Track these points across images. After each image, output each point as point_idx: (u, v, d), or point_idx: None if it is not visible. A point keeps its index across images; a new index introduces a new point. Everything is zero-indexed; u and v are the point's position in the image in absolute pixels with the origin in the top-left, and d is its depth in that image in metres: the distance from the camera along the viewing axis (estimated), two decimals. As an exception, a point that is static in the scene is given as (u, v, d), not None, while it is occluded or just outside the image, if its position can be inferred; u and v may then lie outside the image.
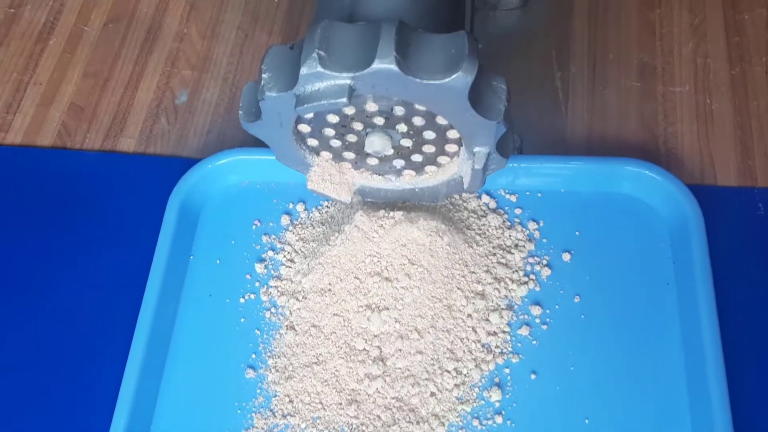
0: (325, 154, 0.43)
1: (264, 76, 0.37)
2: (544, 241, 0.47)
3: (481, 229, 0.47)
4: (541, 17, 0.56)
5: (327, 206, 0.50)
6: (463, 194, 0.49)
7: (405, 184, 0.44)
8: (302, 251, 0.48)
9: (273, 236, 0.49)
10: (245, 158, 0.50)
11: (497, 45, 0.55)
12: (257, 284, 0.48)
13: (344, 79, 0.35)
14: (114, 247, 0.50)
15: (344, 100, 0.35)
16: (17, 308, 0.48)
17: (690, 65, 0.53)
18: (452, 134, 0.40)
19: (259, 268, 0.48)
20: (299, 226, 0.49)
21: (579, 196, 0.48)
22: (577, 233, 0.47)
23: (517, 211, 0.49)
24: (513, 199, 0.49)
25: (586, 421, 0.42)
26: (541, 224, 0.48)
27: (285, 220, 0.50)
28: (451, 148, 0.41)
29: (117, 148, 0.54)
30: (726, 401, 0.40)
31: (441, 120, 0.38)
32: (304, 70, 0.34)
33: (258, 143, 0.50)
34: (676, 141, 0.50)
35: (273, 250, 0.49)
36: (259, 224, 0.50)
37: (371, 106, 0.38)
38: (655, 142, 0.50)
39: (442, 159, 0.42)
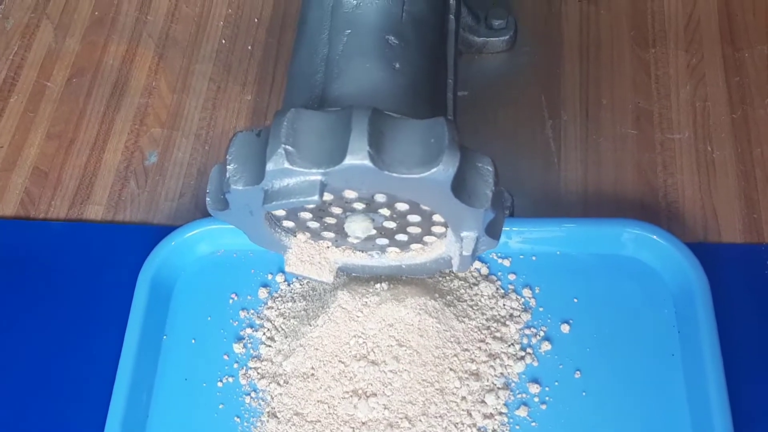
0: (302, 236, 0.40)
1: (229, 167, 0.33)
2: (541, 309, 0.45)
3: (473, 300, 0.44)
4: (530, 61, 0.53)
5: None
6: (453, 261, 0.46)
7: (390, 260, 0.41)
8: (283, 328, 0.45)
9: (251, 311, 0.46)
10: (219, 227, 0.47)
11: (483, 91, 0.52)
12: (236, 365, 0.45)
13: (315, 175, 0.32)
14: (81, 326, 0.47)
15: (315, 197, 0.32)
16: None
17: (689, 109, 0.50)
18: (438, 217, 0.37)
19: (237, 347, 0.45)
20: (279, 299, 0.46)
21: (576, 258, 0.46)
22: (575, 300, 0.45)
23: (511, 277, 0.46)
24: (506, 263, 0.46)
25: None
26: (537, 291, 0.45)
27: (263, 293, 0.47)
28: (437, 229, 0.38)
29: (84, 216, 0.51)
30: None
31: (426, 206, 0.35)
32: (270, 167, 0.31)
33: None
34: (676, 194, 0.48)
35: (252, 327, 0.46)
36: (236, 298, 0.47)
37: (349, 194, 0.35)
38: (655, 195, 0.48)
39: (428, 238, 0.39)
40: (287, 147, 0.31)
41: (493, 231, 0.36)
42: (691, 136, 0.49)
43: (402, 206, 0.36)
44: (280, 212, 0.38)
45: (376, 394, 0.41)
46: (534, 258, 0.46)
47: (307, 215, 0.38)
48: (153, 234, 0.48)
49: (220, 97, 0.55)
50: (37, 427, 0.44)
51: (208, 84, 0.55)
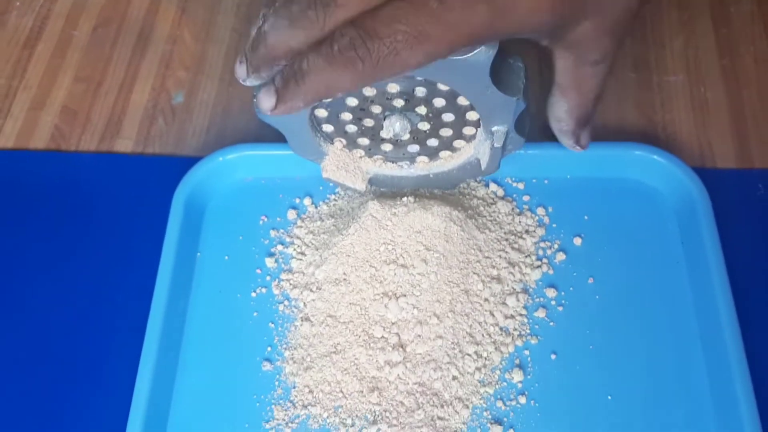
0: (339, 144, 0.43)
1: None
2: (554, 226, 0.48)
3: (491, 216, 0.48)
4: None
5: (335, 199, 0.49)
6: (471, 183, 0.49)
7: (419, 170, 0.44)
8: (313, 244, 0.48)
9: (281, 231, 0.49)
10: (250, 153, 0.50)
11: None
12: (268, 278, 0.47)
13: None
14: (118, 248, 0.49)
15: None
16: (23, 314, 0.47)
17: (682, 56, 0.55)
18: (471, 116, 0.40)
19: (269, 262, 0.47)
20: (307, 219, 0.49)
21: (585, 181, 0.49)
22: (585, 218, 0.48)
23: (525, 198, 0.49)
24: (520, 186, 0.49)
25: (609, 397, 0.42)
26: (550, 210, 0.48)
27: (292, 214, 0.49)
28: (468, 131, 0.41)
29: (114, 149, 0.53)
30: (743, 361, 0.41)
31: (462, 100, 0.39)
32: None
33: (260, 139, 0.51)
34: (674, 127, 0.52)
35: (282, 244, 0.48)
36: (266, 219, 0.49)
37: (393, 87, 0.38)
38: (655, 128, 0.51)
39: (457, 143, 0.43)
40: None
41: (520, 127, 0.40)
42: (686, 79, 0.54)
43: (439, 102, 0.39)
44: (323, 113, 0.41)
45: (405, 295, 0.44)
46: (546, 181, 0.49)
47: (347, 116, 0.41)
48: (182, 164, 0.50)
49: (242, 45, 0.57)
50: (83, 336, 0.46)
51: (230, 33, 0.58)
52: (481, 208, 0.48)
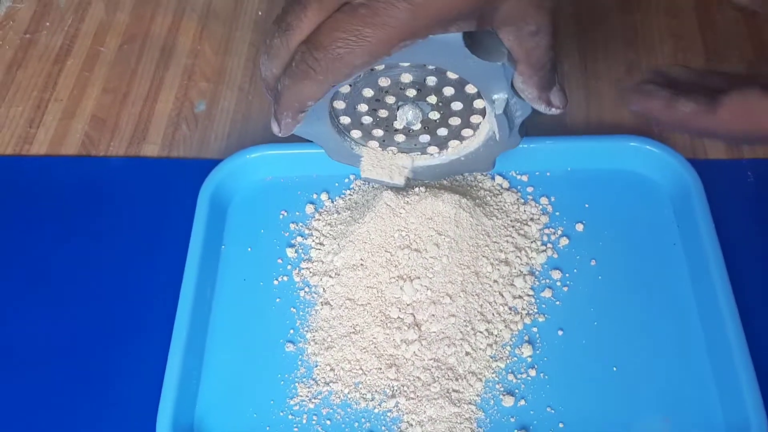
0: (372, 144, 0.46)
1: None
2: (557, 214, 0.51)
3: (498, 205, 0.51)
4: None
5: (350, 194, 0.53)
6: (478, 176, 0.52)
7: (451, 155, 0.47)
8: (330, 234, 0.51)
9: (300, 224, 0.52)
10: (271, 153, 0.53)
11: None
12: (289, 267, 0.50)
13: None
14: (148, 243, 0.52)
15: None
16: (65, 304, 0.49)
17: (672, 59, 0.58)
18: (478, 104, 0.43)
19: (289, 252, 0.50)
20: (325, 213, 0.52)
21: (585, 173, 0.52)
22: (586, 206, 0.51)
23: (529, 189, 0.52)
24: (524, 179, 0.53)
25: (614, 368, 0.45)
26: (553, 200, 0.52)
27: (310, 209, 0.52)
28: (475, 119, 0.45)
29: (141, 153, 0.57)
30: (740, 332, 0.43)
31: (470, 88, 0.42)
32: None
33: (280, 140, 0.54)
34: (667, 123, 0.55)
35: (302, 236, 0.51)
36: (286, 214, 0.52)
37: (406, 77, 0.42)
38: (648, 125, 0.55)
39: (466, 132, 0.46)
40: None
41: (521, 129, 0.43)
42: (676, 79, 0.57)
43: (449, 91, 0.42)
44: (341, 105, 0.44)
45: (419, 277, 0.47)
46: (548, 174, 0.53)
47: (363, 107, 0.44)
48: (206, 166, 0.53)
49: (259, 57, 0.61)
50: (116, 325, 0.49)
51: (248, 47, 0.62)
52: (488, 198, 0.51)
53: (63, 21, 0.65)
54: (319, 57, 0.37)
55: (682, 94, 0.39)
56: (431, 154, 0.47)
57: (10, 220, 0.53)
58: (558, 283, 0.48)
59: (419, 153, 0.47)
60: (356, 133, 0.46)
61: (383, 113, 0.44)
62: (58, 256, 0.52)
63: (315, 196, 0.53)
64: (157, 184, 0.55)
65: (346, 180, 0.53)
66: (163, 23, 0.64)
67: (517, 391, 0.44)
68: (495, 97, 0.42)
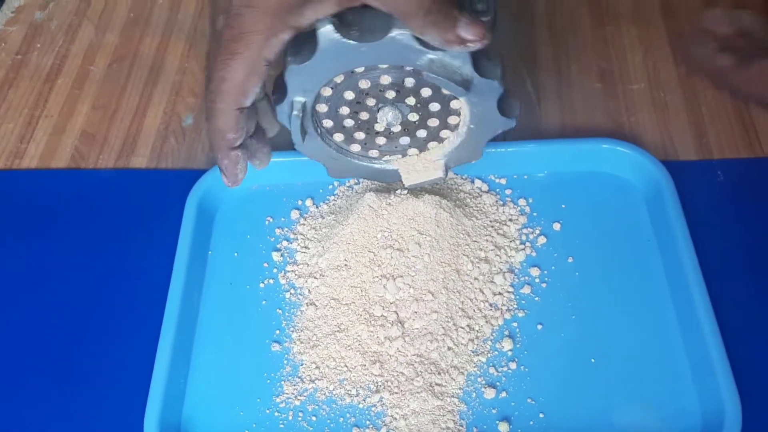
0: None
1: (288, 58, 0.42)
2: (535, 215, 0.52)
3: (477, 207, 0.52)
4: (507, 37, 0.63)
5: (334, 199, 0.54)
6: (458, 180, 0.54)
7: (462, 133, 0.47)
8: (315, 238, 0.52)
9: (286, 229, 0.53)
10: (255, 161, 0.54)
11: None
12: (275, 270, 0.51)
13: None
14: (137, 250, 0.53)
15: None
16: (56, 308, 0.51)
17: (642, 68, 0.61)
18: (455, 104, 0.45)
19: (275, 256, 0.52)
20: (310, 218, 0.53)
21: (562, 175, 0.54)
22: (563, 206, 0.53)
23: (508, 192, 0.54)
24: (503, 181, 0.54)
25: (592, 360, 0.46)
26: (531, 201, 0.53)
27: (295, 214, 0.54)
28: (453, 120, 0.46)
29: (130, 165, 0.58)
30: (713, 321, 0.45)
31: (446, 90, 0.44)
32: (322, 34, 0.40)
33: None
34: (639, 128, 0.57)
35: (287, 241, 0.52)
36: (271, 220, 0.54)
37: (385, 79, 0.43)
38: (622, 129, 0.57)
39: (444, 133, 0.48)
40: (334, 20, 0.40)
41: (507, 111, 0.45)
42: (647, 87, 0.59)
43: (426, 92, 0.44)
44: (323, 108, 0.46)
45: (402, 276, 0.48)
46: (525, 177, 0.54)
47: (345, 110, 0.46)
48: (193, 176, 0.55)
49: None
50: (106, 327, 0.50)
51: (234, 64, 0.64)
52: (468, 200, 0.53)
53: (53, 42, 0.67)
54: (212, 88, 0.41)
55: (726, 50, 0.41)
56: (447, 137, 0.48)
57: (2, 230, 0.55)
58: (537, 280, 0.49)
59: (448, 134, 0.48)
60: (339, 137, 0.48)
61: (364, 116, 0.46)
62: (50, 262, 0.53)
63: (300, 202, 0.54)
64: (146, 193, 0.56)
65: (330, 186, 0.55)
66: (152, 44, 0.66)
67: (498, 383, 0.46)
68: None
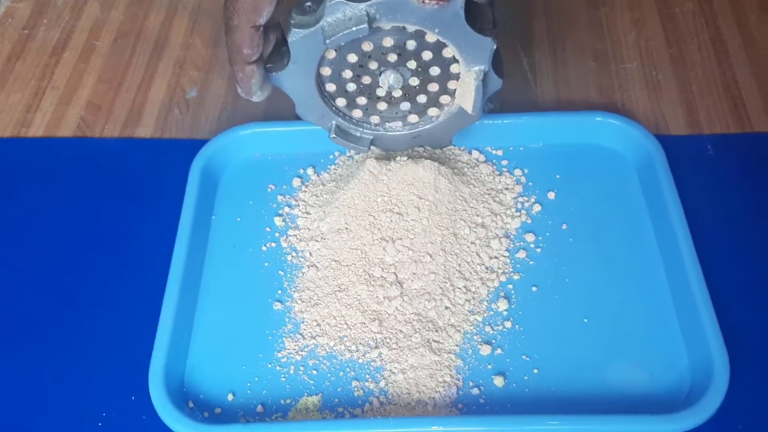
0: (356, 112, 0.50)
1: (293, 21, 0.44)
2: (530, 184, 0.54)
3: (475, 176, 0.54)
4: (504, 19, 0.64)
5: (335, 168, 0.55)
6: (456, 150, 0.55)
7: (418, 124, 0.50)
8: (317, 204, 0.53)
9: (288, 196, 0.54)
10: (261, 131, 0.56)
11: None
12: (277, 235, 0.52)
13: (362, 11, 0.42)
14: (142, 215, 0.54)
15: (364, 26, 0.42)
16: (61, 271, 0.52)
17: (635, 48, 0.62)
18: (455, 69, 0.47)
19: (277, 221, 0.53)
20: (311, 185, 0.55)
21: (556, 147, 0.56)
22: (558, 176, 0.54)
23: (504, 162, 0.55)
24: (499, 153, 0.56)
25: (585, 320, 0.47)
26: (526, 171, 0.55)
27: (297, 182, 0.55)
28: (452, 85, 0.48)
29: (135, 135, 0.59)
30: (701, 278, 0.46)
31: (447, 52, 0.45)
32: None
33: (270, 119, 0.57)
34: (632, 104, 0.59)
35: (289, 207, 0.54)
36: (273, 187, 0.55)
37: (387, 41, 0.45)
38: (615, 105, 0.58)
39: (443, 99, 0.49)
40: None
41: (497, 68, 0.46)
42: (640, 65, 0.61)
43: (427, 55, 0.46)
44: (326, 71, 0.47)
45: (401, 238, 0.49)
46: (521, 148, 0.56)
47: (348, 74, 0.47)
48: (197, 145, 0.56)
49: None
50: (113, 282, 0.51)
51: (238, 41, 0.65)
52: (466, 170, 0.54)
53: (60, 18, 0.68)
54: (228, 5, 0.44)
55: None
56: (445, 104, 0.50)
57: (9, 197, 0.56)
58: (532, 245, 0.51)
59: (437, 109, 0.50)
60: (341, 101, 0.49)
61: (366, 80, 0.48)
62: (57, 226, 0.54)
63: (302, 171, 0.56)
64: (151, 161, 0.57)
65: (331, 156, 0.56)
66: (156, 20, 0.67)
67: (494, 341, 0.47)
68: (475, 68, 0.45)
